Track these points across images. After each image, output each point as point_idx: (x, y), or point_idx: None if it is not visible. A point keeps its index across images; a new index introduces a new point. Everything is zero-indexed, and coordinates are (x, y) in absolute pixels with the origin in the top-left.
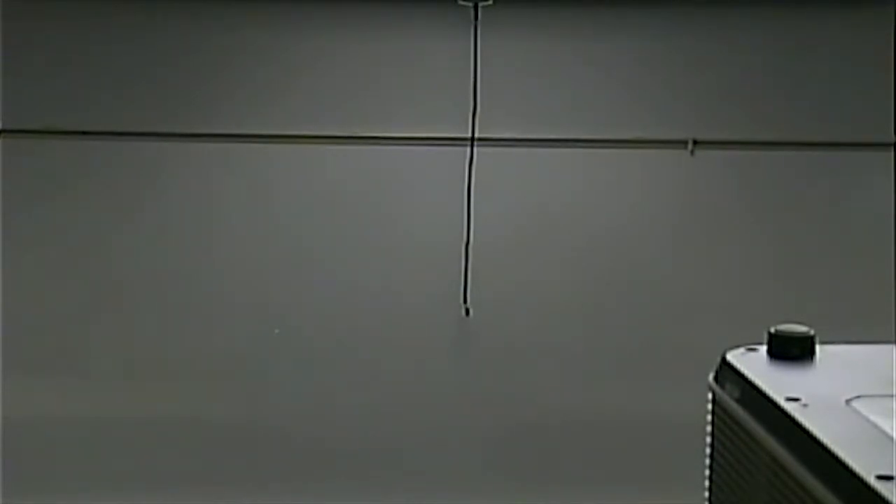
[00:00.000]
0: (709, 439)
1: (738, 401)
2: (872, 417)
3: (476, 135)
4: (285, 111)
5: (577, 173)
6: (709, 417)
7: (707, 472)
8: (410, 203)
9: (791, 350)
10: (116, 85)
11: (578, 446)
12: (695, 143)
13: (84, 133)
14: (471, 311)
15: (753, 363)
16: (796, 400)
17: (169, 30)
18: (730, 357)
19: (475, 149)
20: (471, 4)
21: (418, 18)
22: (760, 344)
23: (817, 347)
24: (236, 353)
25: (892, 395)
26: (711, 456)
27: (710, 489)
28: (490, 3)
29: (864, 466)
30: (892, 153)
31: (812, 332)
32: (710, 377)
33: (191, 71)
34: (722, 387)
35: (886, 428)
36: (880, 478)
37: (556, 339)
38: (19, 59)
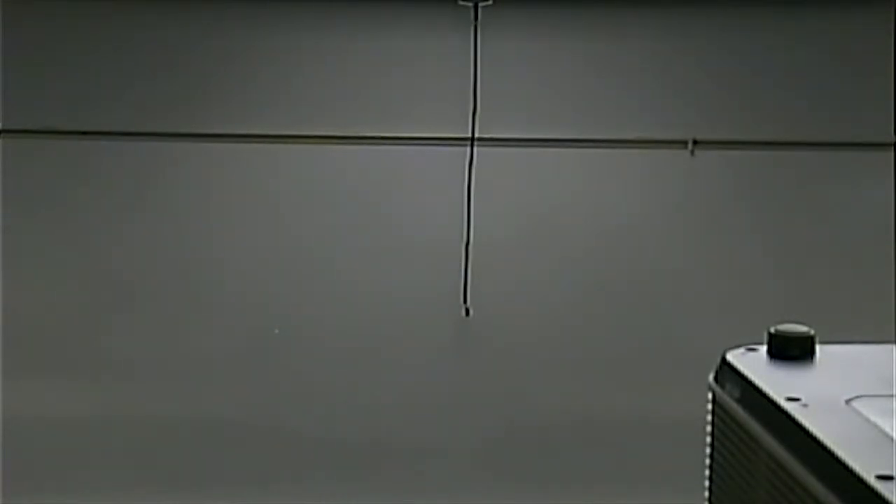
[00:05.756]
0: (709, 439)
1: (738, 401)
2: (872, 417)
3: (476, 135)
4: (285, 111)
5: (578, 173)
6: (709, 417)
7: (707, 472)
8: (410, 203)
9: (791, 350)
10: (116, 85)
11: (578, 446)
12: (695, 143)
13: (84, 133)
14: (471, 311)
15: (753, 363)
16: (796, 400)
17: (169, 30)
18: (730, 357)
19: (475, 149)
20: (471, 4)
21: (418, 18)
22: (760, 344)
23: (817, 347)
24: (236, 353)
25: (892, 395)
26: (711, 456)
27: (710, 489)
28: (490, 3)
29: (864, 466)
30: (892, 153)
31: (812, 332)
32: (710, 377)
33: (191, 71)
34: (722, 387)
35: (886, 428)
36: (880, 478)
37: (556, 339)
38: (19, 59)
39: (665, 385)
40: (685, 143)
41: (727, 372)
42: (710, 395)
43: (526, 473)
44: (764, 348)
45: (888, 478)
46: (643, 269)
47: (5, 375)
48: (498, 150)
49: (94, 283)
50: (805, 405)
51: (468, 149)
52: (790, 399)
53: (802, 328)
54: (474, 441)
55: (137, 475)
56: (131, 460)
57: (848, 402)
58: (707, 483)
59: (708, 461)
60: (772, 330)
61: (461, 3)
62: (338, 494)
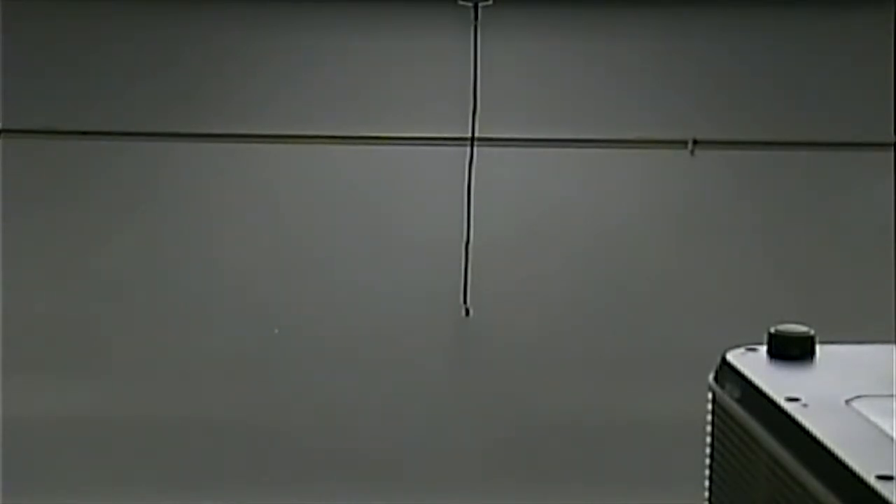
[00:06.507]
0: (709, 439)
1: (738, 401)
2: (872, 417)
3: (476, 135)
4: (286, 111)
5: (578, 173)
6: (709, 417)
7: (707, 472)
8: (410, 203)
9: (791, 350)
10: (116, 85)
11: (578, 446)
12: (695, 143)
13: (84, 133)
14: (471, 311)
15: (753, 363)
16: (796, 400)
17: (169, 30)
18: (730, 357)
19: (475, 149)
20: (471, 4)
21: (418, 18)
22: (760, 344)
23: (817, 347)
24: (236, 352)
25: (892, 395)
26: (711, 456)
27: (710, 489)
28: (490, 3)
29: (864, 466)
30: (892, 153)
31: (812, 332)
32: (710, 377)
33: (191, 71)
34: (722, 387)
35: (886, 428)
36: (880, 478)
37: (556, 340)
38: (19, 59)
39: (665, 385)
40: (685, 143)
41: (727, 372)
42: (710, 395)
43: (526, 473)
44: (764, 348)
45: (888, 478)
46: (643, 269)
47: (5, 375)
48: (498, 150)
49: (94, 283)
50: (805, 405)
51: (468, 149)
52: (790, 399)
53: (802, 328)
54: (474, 441)
55: (137, 475)
56: (131, 460)
57: (848, 402)
58: (707, 483)
59: (708, 461)
60: (772, 330)
61: (461, 3)
62: (337, 494)
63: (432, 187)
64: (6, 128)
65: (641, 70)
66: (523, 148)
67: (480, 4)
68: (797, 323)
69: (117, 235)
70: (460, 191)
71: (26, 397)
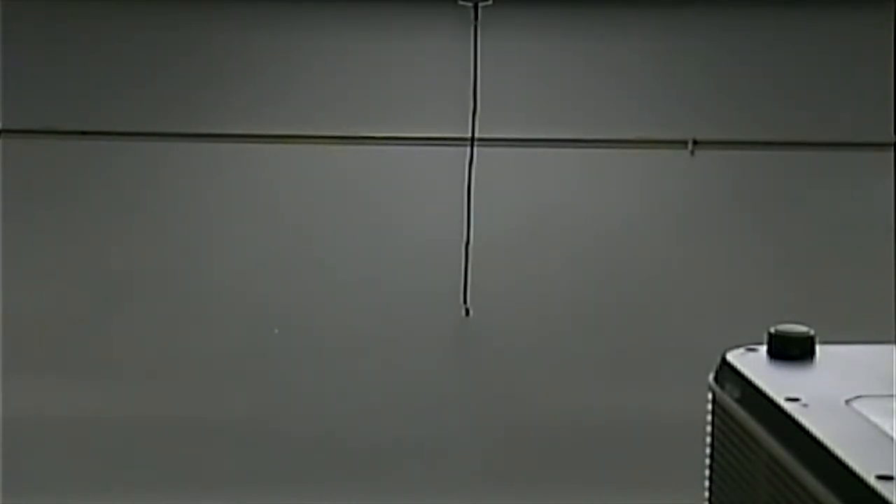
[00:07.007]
0: (709, 439)
1: (738, 401)
2: (872, 417)
3: (476, 135)
4: (285, 111)
5: (577, 173)
6: (709, 417)
7: (707, 472)
8: (410, 203)
9: (791, 350)
10: (116, 85)
11: (578, 447)
12: (695, 143)
13: (84, 133)
14: (471, 311)
15: (753, 363)
16: (796, 400)
17: (169, 30)
18: (730, 357)
19: (475, 149)
20: (471, 4)
21: (418, 18)
22: (760, 344)
23: (817, 347)
24: (236, 353)
25: (892, 395)
26: (711, 456)
27: (710, 489)
28: (490, 3)
29: (864, 466)
30: (892, 153)
31: (812, 332)
32: (710, 377)
33: (191, 71)
34: (722, 387)
35: (886, 428)
36: (880, 478)
37: (556, 340)
38: (19, 59)
39: (665, 385)
40: (685, 143)
41: (727, 372)
42: (710, 395)
43: (525, 473)
44: (764, 348)
45: (888, 478)
46: (643, 269)
47: (5, 375)
48: (498, 150)
49: (94, 283)
50: (805, 405)
51: (468, 149)
52: (790, 399)
53: (802, 328)
54: (474, 441)
55: (137, 475)
56: (131, 460)
57: (848, 402)
58: (707, 483)
59: (708, 461)
60: (772, 330)
61: (461, 3)
62: (337, 494)
63: (432, 187)
64: (6, 128)
65: (641, 70)
66: (523, 148)
67: (480, 4)
68: (797, 323)
69: (117, 235)
70: (460, 191)
71: (26, 397)
